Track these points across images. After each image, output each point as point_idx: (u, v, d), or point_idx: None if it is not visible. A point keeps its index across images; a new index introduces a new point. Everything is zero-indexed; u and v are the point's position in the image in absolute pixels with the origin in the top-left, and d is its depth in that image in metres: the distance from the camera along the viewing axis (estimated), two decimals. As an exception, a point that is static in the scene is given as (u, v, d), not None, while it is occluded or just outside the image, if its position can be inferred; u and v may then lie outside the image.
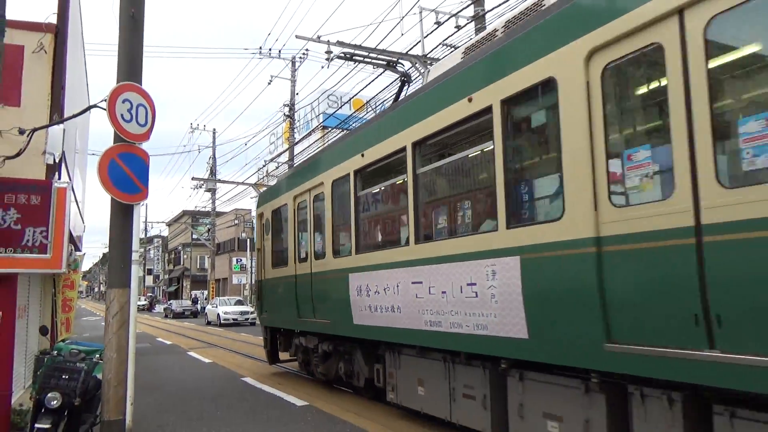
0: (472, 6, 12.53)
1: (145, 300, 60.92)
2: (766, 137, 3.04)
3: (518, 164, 5.00)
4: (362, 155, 7.26)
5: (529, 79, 4.62)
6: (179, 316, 41.01)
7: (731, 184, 3.20)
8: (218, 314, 29.51)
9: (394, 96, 7.31)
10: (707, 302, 3.24)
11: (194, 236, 52.38)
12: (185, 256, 62.45)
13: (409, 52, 13.26)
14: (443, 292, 5.51)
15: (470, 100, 5.30)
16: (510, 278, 4.66)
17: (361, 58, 11.87)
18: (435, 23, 13.06)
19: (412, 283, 6.03)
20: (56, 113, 7.14)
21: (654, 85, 3.80)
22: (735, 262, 3.12)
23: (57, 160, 7.20)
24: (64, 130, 7.19)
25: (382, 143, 6.80)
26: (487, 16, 12.23)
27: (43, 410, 5.22)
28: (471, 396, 5.47)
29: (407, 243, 6.23)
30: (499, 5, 11.51)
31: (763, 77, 3.25)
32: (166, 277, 69.94)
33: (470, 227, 5.49)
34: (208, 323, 30.89)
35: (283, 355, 11.29)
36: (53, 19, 7.41)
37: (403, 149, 6.33)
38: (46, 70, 7.26)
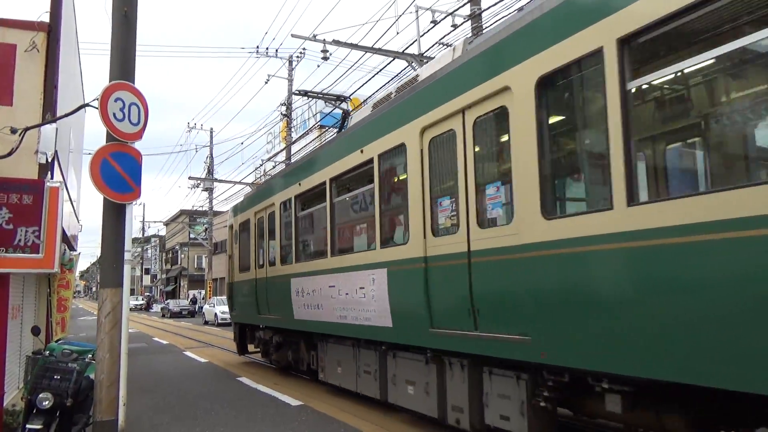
0: (469, 5, 12.51)
1: (143, 299, 60.84)
2: (496, 198, 5.10)
3: (388, 203, 6.88)
4: (299, 184, 9.24)
5: (392, 142, 6.57)
6: (176, 315, 40.96)
7: (481, 226, 5.17)
8: (215, 314, 29.47)
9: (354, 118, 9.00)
10: (473, 300, 5.14)
11: (191, 236, 52.32)
12: (182, 256, 62.35)
13: (405, 51, 13.24)
14: (347, 294, 7.37)
15: (362, 151, 7.21)
16: (382, 284, 6.56)
17: (315, 95, 14.76)
18: (431, 22, 13.05)
19: (329, 286, 7.87)
20: (49, 112, 7.10)
21: (451, 156, 5.59)
22: (486, 274, 5.02)
23: (49, 160, 7.16)
24: (56, 129, 7.15)
25: (312, 176, 8.69)
26: (483, 15, 12.22)
27: (34, 411, 5.20)
28: (368, 372, 7.38)
29: (327, 255, 8.03)
30: (495, 4, 11.51)
31: (497, 163, 5.32)
32: (164, 276, 69.87)
33: (363, 246, 7.40)
34: (206, 323, 30.86)
35: (257, 349, 12.63)
36: (46, 18, 7.36)
37: (323, 183, 8.23)
38: (38, 69, 7.21)
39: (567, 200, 4.94)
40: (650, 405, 4.10)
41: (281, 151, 26.95)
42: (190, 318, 39.13)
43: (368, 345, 7.27)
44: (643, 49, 3.94)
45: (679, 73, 4.15)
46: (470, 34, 12.21)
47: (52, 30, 7.34)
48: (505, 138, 4.99)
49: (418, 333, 5.92)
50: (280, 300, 9.75)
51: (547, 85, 4.52)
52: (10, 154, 6.63)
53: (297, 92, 14.10)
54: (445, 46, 12.56)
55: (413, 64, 12.89)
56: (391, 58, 13.75)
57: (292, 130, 26.33)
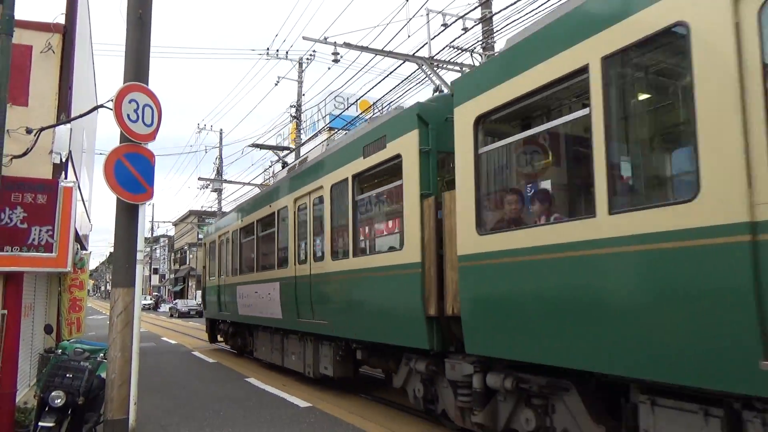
0: (480, 8, 12.51)
1: (151, 299, 61.03)
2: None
3: (281, 242, 10.62)
4: (241, 221, 13.48)
5: (282, 204, 10.59)
6: (185, 315, 41.10)
7: (314, 258, 9.11)
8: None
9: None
10: (312, 302, 8.74)
11: (200, 236, 52.50)
12: (191, 256, 62.53)
13: (415, 54, 13.24)
14: (263, 297, 11.27)
15: (270, 206, 11.30)
16: (277, 291, 10.39)
17: (267, 147, 20.83)
18: (442, 25, 13.04)
19: (255, 292, 11.85)
20: (63, 113, 7.17)
21: (307, 215, 9.47)
22: (317, 286, 8.72)
23: (63, 160, 7.23)
24: (71, 129, 7.21)
25: (247, 216, 12.98)
26: (495, 19, 12.21)
27: (47, 409, 5.24)
28: (276, 348, 11.15)
29: (254, 270, 12.20)
30: (506, 8, 11.50)
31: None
32: (172, 276, 70.12)
33: (272, 266, 11.05)
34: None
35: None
36: (61, 20, 7.44)
37: (253, 222, 12.43)
38: (53, 70, 7.28)
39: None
40: (378, 354, 7.76)
41: (290, 152, 27.02)
42: (198, 318, 39.25)
43: (275, 331, 11.17)
44: None
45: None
46: (481, 38, 12.21)
47: (67, 31, 7.41)
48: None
49: (292, 322, 9.66)
50: (231, 301, 13.86)
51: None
52: (25, 154, 6.70)
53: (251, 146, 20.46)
54: (456, 50, 12.56)
55: (423, 66, 12.89)
56: (402, 61, 13.75)
57: (302, 132, 26.39)
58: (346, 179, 7.78)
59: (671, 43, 3.72)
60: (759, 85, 3.08)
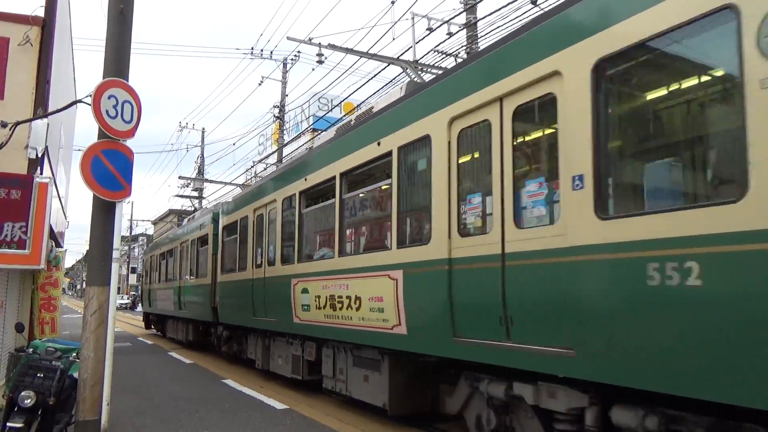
0: (464, 14, 12.58)
1: (128, 298, 60.20)
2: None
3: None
4: (172, 242, 19.28)
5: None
6: (162, 315, 40.54)
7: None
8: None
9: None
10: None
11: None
12: (170, 255, 61.80)
13: (400, 57, 13.27)
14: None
15: (200, 228, 15.27)
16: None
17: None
18: (427, 29, 13.09)
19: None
20: (40, 107, 7.05)
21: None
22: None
23: (39, 155, 7.10)
24: (48, 124, 7.09)
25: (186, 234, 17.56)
26: (479, 25, 12.28)
27: (16, 409, 5.12)
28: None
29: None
30: (491, 14, 11.58)
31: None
32: (150, 276, 69.19)
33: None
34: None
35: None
36: (41, 12, 7.32)
37: (205, 236, 14.97)
38: (31, 64, 7.17)
39: None
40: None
41: (273, 153, 26.87)
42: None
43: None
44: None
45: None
46: (465, 43, 12.28)
47: (46, 24, 7.30)
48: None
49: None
50: (157, 299, 20.80)
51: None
52: (-1, 148, 6.58)
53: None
54: (441, 54, 12.61)
55: (408, 70, 12.92)
56: (386, 64, 13.78)
57: (285, 132, 26.28)
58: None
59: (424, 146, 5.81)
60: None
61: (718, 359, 3.12)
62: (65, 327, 23.91)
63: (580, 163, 3.99)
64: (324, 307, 7.56)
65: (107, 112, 5.71)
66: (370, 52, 13.57)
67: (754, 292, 2.97)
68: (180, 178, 34.93)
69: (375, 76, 18.52)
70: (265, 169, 27.75)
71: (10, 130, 6.60)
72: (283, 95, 25.30)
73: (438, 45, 12.78)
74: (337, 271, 7.28)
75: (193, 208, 33.75)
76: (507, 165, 4.71)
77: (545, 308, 4.21)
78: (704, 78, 3.80)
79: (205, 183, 36.87)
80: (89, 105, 5.67)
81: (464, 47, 12.15)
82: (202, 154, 37.41)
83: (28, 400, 5.07)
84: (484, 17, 11.86)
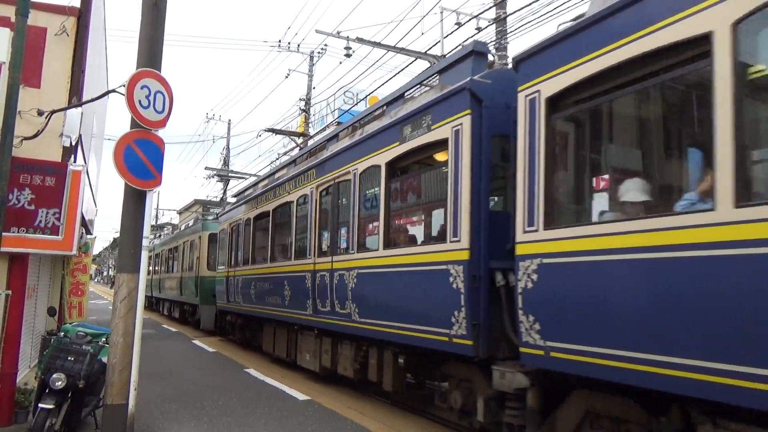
0: (495, 8, 12.45)
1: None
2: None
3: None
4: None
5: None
6: (186, 303, 41.14)
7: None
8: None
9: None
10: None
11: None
12: (195, 245, 62.48)
13: (428, 52, 13.21)
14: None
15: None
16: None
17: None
18: (455, 24, 13.00)
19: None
20: (75, 96, 7.17)
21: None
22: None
23: (73, 143, 7.23)
24: (81, 113, 7.21)
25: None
26: (509, 20, 12.14)
27: (47, 390, 5.25)
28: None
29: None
30: (521, 9, 11.43)
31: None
32: (175, 264, 70.16)
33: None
34: (214, 313, 30.99)
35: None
36: (76, 3, 7.45)
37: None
38: (67, 53, 7.28)
39: None
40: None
41: (298, 146, 27.01)
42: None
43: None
44: None
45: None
46: (495, 38, 12.15)
47: (82, 15, 7.41)
48: None
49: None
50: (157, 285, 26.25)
51: None
52: (35, 135, 6.71)
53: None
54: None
55: (435, 65, 12.85)
56: (414, 58, 13.73)
57: (310, 125, 26.37)
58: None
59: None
60: None
61: None
62: (92, 312, 24.45)
63: None
64: None
65: (140, 102, 5.77)
66: (398, 46, 13.52)
67: None
68: (206, 168, 35.32)
69: (402, 70, 18.45)
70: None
71: (45, 118, 6.73)
72: (310, 88, 25.40)
73: (466, 40, 12.68)
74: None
75: (219, 199, 34.15)
76: None
77: None
78: None
79: (230, 174, 37.25)
80: (123, 95, 5.74)
81: (494, 42, 12.02)
82: (228, 146, 37.75)
83: (59, 383, 5.20)
84: (514, 12, 11.71)
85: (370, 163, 7.27)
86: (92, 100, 7.45)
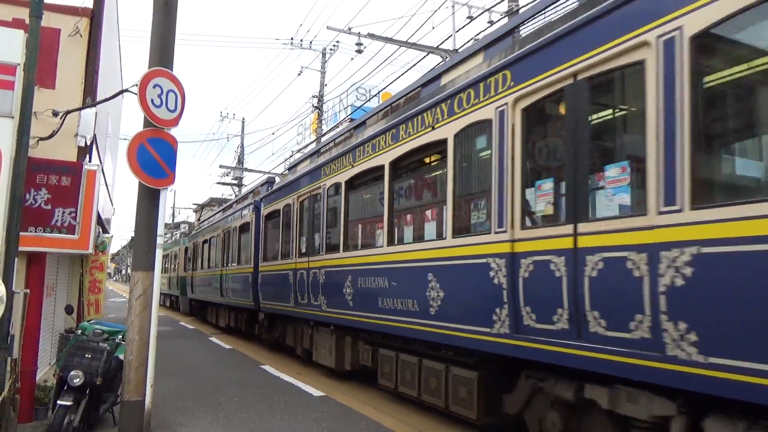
0: (506, 1, 12.35)
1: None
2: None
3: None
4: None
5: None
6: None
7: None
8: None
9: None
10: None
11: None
12: (211, 243, 62.83)
13: (439, 46, 13.14)
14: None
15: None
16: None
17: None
18: (467, 18, 12.92)
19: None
20: (89, 96, 7.25)
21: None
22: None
23: (88, 143, 7.31)
24: (96, 113, 7.29)
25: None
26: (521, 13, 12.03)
27: (65, 387, 5.33)
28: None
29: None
30: (533, 1, 11.30)
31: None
32: (191, 262, 70.64)
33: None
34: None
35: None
36: (89, 4, 7.51)
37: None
38: (81, 54, 7.36)
39: None
40: None
41: (311, 143, 27.07)
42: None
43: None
44: None
45: None
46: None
47: (95, 15, 7.47)
48: None
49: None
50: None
51: None
52: (51, 136, 6.79)
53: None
54: (481, 43, 12.41)
55: (447, 59, 12.78)
56: (426, 53, 13.68)
57: (323, 122, 26.42)
58: None
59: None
60: None
61: None
62: (111, 310, 24.76)
63: None
64: None
65: (152, 101, 5.82)
66: (410, 41, 13.47)
67: None
68: (221, 167, 35.56)
69: (414, 65, 18.34)
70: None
71: (60, 118, 6.81)
72: (322, 85, 25.43)
73: (478, 34, 12.60)
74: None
75: (234, 196, 34.38)
76: None
77: None
78: None
79: (244, 172, 37.46)
80: (135, 94, 5.79)
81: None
82: (242, 144, 37.96)
83: (77, 380, 5.27)
84: (526, 5, 11.60)
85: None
86: (106, 100, 7.52)
